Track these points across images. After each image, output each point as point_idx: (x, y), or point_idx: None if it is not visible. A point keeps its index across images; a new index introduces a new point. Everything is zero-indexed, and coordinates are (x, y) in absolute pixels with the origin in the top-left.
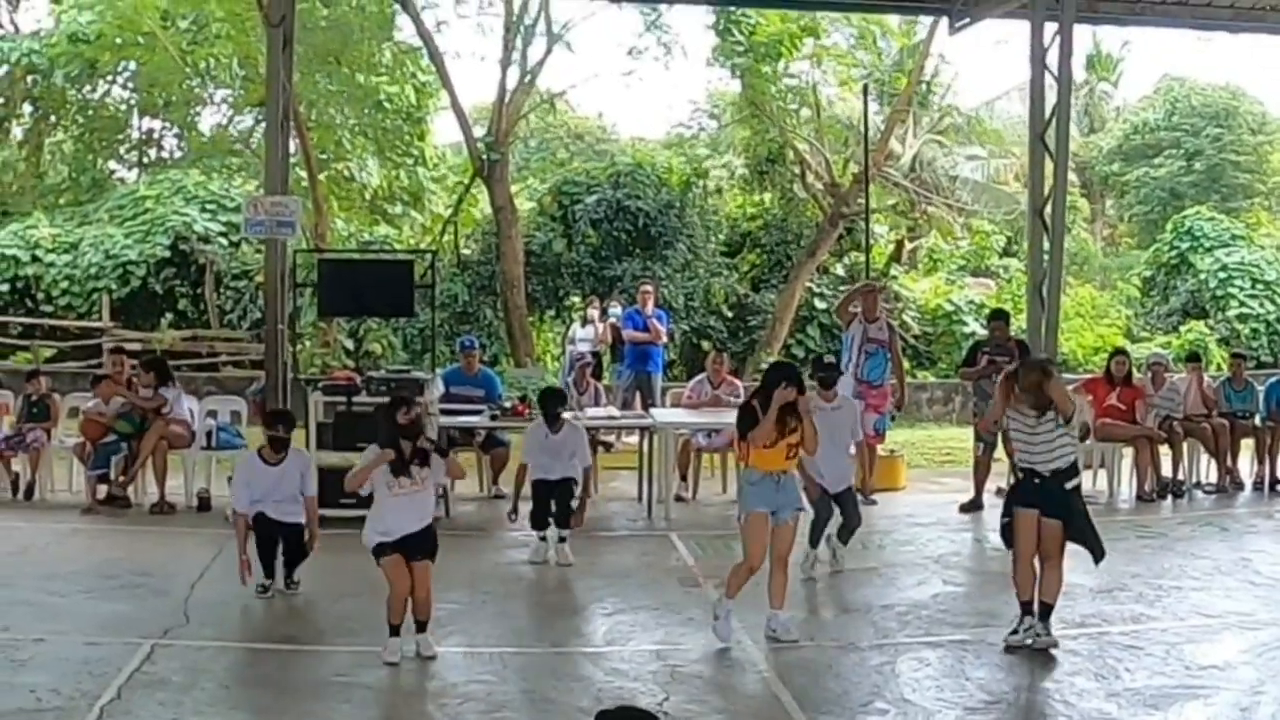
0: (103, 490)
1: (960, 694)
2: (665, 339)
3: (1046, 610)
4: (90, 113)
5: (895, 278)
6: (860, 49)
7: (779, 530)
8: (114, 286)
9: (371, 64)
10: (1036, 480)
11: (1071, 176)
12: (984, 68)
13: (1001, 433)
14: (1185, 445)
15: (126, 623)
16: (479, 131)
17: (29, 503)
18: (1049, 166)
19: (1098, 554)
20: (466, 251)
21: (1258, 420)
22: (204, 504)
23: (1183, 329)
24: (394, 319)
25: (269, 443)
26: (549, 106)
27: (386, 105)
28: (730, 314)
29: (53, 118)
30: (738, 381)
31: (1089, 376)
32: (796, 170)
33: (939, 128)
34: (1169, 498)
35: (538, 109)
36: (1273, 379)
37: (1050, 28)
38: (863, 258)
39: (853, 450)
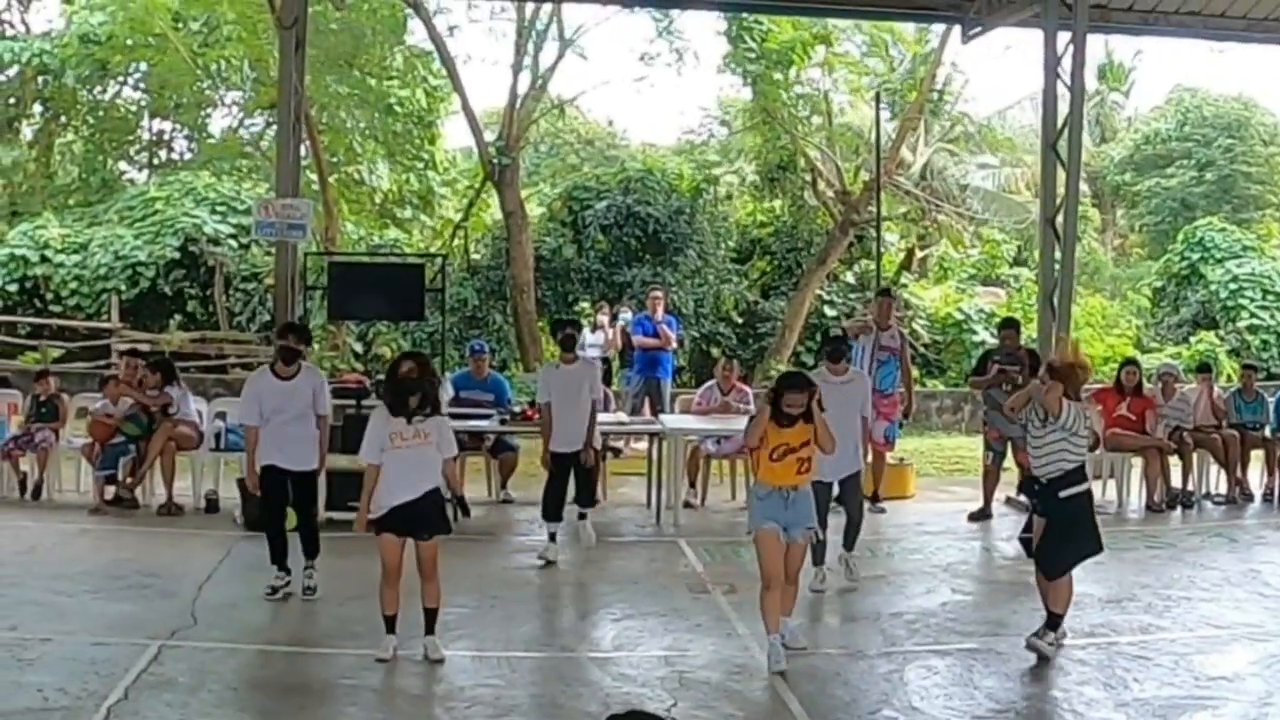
0: (110, 491)
1: (969, 702)
2: (675, 345)
3: (1054, 619)
4: (101, 114)
5: (905, 286)
6: (872, 57)
7: (790, 548)
8: (123, 287)
9: (383, 68)
10: (1036, 486)
11: (1083, 186)
12: (996, 76)
13: (1012, 441)
14: (1195, 456)
15: (134, 623)
16: (490, 136)
17: (37, 503)
18: (1061, 176)
19: (1045, 570)
20: (476, 256)
21: (1268, 431)
22: (212, 505)
23: (1193, 340)
24: (403, 323)
25: (279, 354)
26: (560, 112)
27: (398, 109)
28: (740, 321)
29: (63, 118)
30: (747, 388)
31: (1099, 387)
32: (807, 178)
33: (950, 136)
34: (1178, 508)
35: (549, 114)
36: None
37: (1063, 37)
38: (873, 266)
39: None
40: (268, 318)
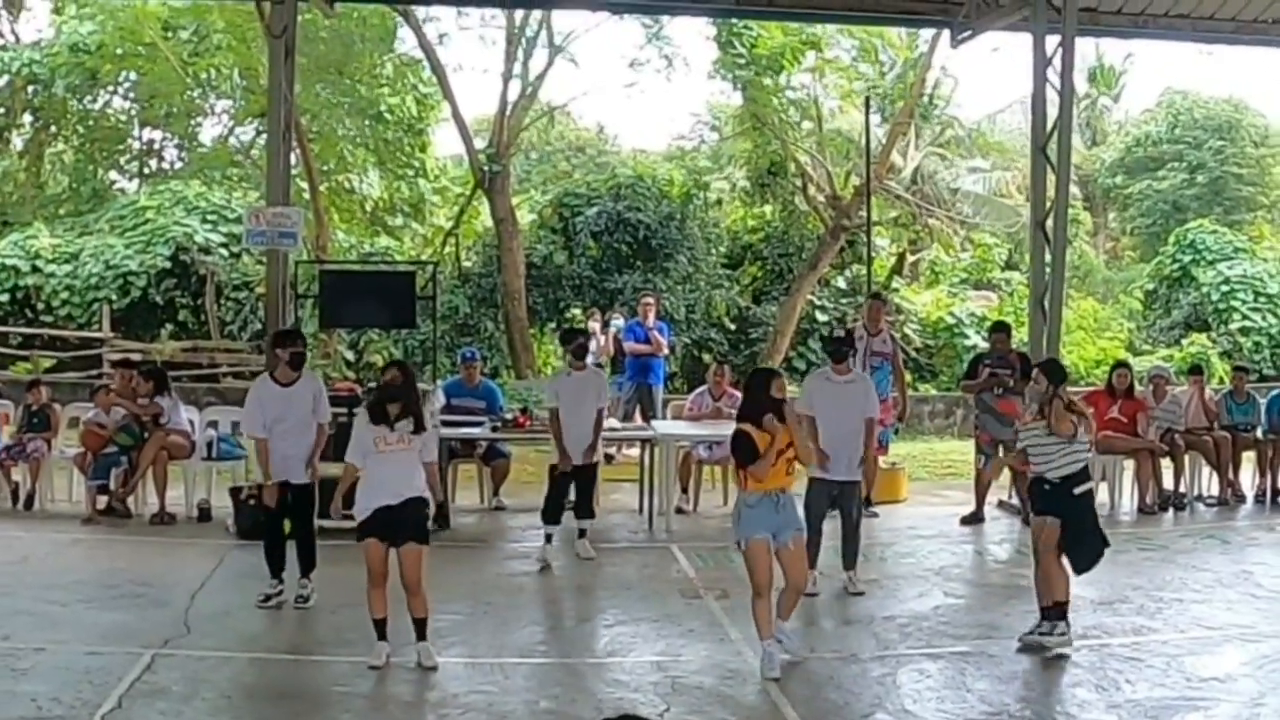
0: (103, 501)
1: (961, 705)
2: (666, 351)
3: (1063, 609)
4: (91, 123)
5: (897, 290)
6: (862, 62)
7: (786, 555)
8: (114, 297)
9: (373, 75)
10: (1046, 486)
11: (1074, 189)
12: (986, 80)
13: (1003, 445)
14: (1187, 458)
15: (127, 632)
16: (480, 143)
17: (29, 512)
18: (1051, 179)
19: (1078, 567)
20: (467, 263)
21: (1259, 433)
22: (204, 514)
23: (1185, 342)
24: (395, 330)
25: (290, 360)
26: (550, 119)
27: (388, 117)
28: (731, 326)
29: (53, 128)
30: (739, 393)
31: (1091, 389)
32: (798, 183)
33: (941, 140)
34: (1170, 510)
35: (539, 121)
36: (1274, 392)
37: (1052, 40)
38: (864, 270)
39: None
40: (259, 326)
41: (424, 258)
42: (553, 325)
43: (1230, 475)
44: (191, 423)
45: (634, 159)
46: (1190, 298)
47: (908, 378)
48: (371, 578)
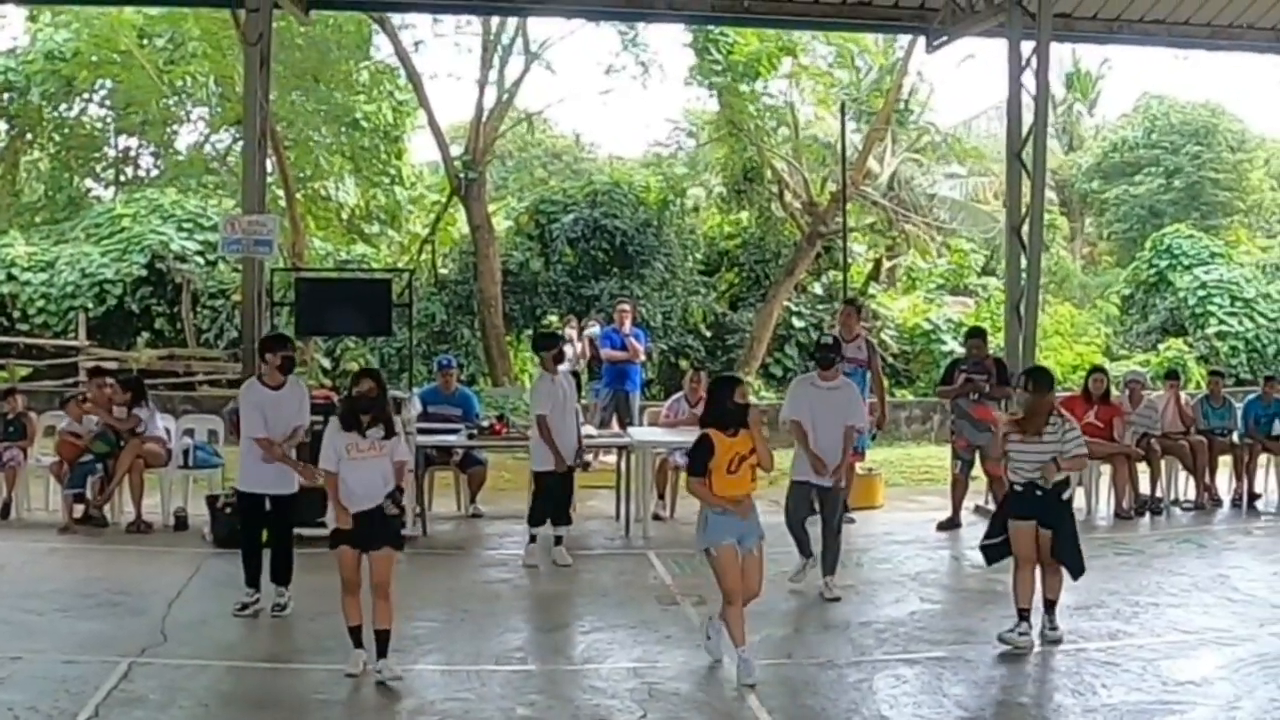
0: (79, 509)
1: (938, 710)
2: (643, 358)
3: (1051, 605)
4: (67, 131)
5: (874, 296)
6: (838, 67)
7: (747, 561)
8: (90, 305)
9: (349, 83)
10: (1039, 492)
11: (1051, 195)
12: (962, 86)
13: (980, 450)
14: (1163, 463)
15: (104, 641)
16: (456, 150)
17: (5, 521)
18: (1026, 184)
19: (1076, 571)
20: (444, 271)
21: (1235, 437)
22: (181, 523)
23: (1162, 347)
24: (372, 338)
25: (282, 366)
26: (527, 125)
27: (364, 124)
28: (708, 333)
29: (29, 135)
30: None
31: (1067, 395)
32: (774, 189)
33: (917, 146)
34: (1147, 515)
35: (515, 128)
36: (1250, 396)
37: (1027, 46)
38: (841, 277)
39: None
40: (235, 334)
41: (400, 265)
42: (529, 332)
43: (1207, 480)
44: (168, 431)
45: (611, 166)
46: (1167, 303)
47: (885, 383)
48: (345, 585)
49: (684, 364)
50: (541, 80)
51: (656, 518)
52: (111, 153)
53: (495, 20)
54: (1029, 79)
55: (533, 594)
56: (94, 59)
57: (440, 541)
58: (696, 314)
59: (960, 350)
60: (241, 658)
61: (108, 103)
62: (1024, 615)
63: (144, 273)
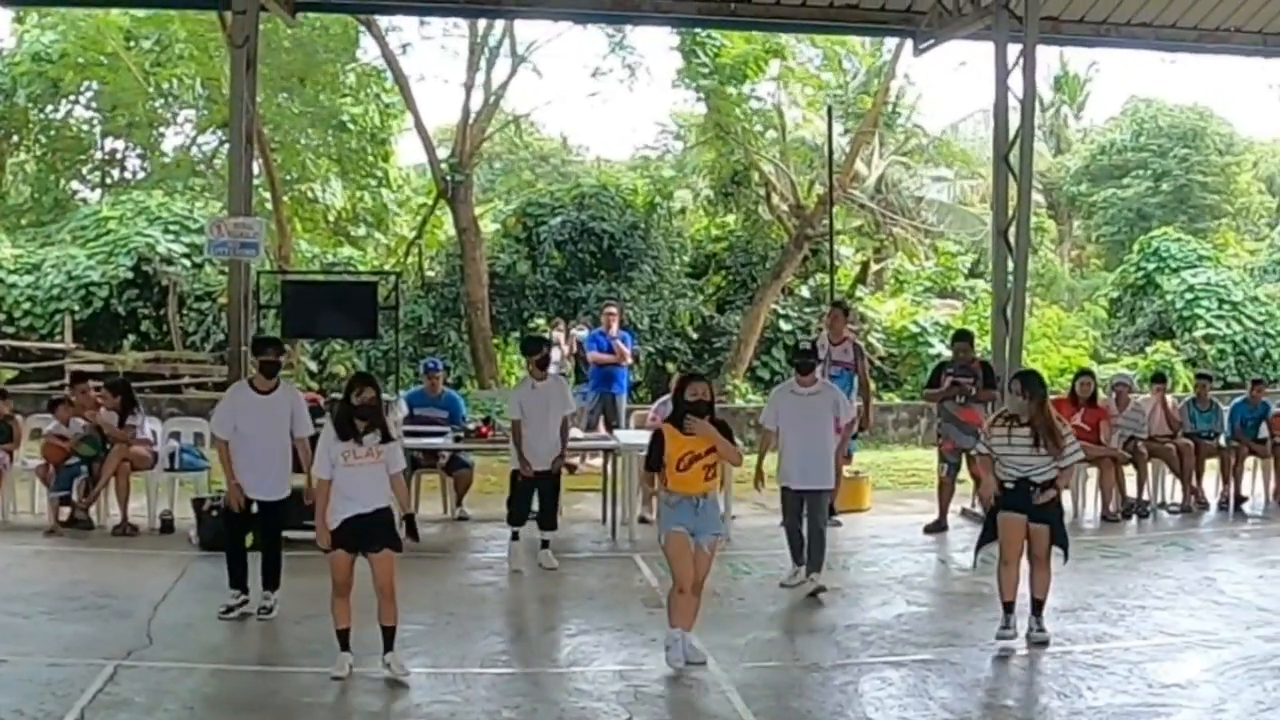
0: (65, 512)
1: (923, 713)
2: (630, 361)
3: (1039, 605)
4: (53, 133)
5: (861, 299)
6: (826, 70)
7: (697, 554)
8: (76, 308)
9: (335, 85)
10: (1032, 488)
11: (1039, 198)
12: (950, 89)
13: (966, 454)
14: (1150, 465)
15: (89, 644)
16: (443, 153)
17: None
18: (1013, 188)
19: (1067, 553)
20: (430, 273)
21: (1222, 440)
22: (167, 526)
23: (1149, 350)
24: (358, 341)
25: (262, 369)
26: (514, 128)
27: (350, 127)
28: (695, 336)
29: (15, 137)
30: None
31: (1055, 398)
32: (761, 192)
33: (905, 149)
34: (1134, 518)
35: (502, 130)
36: (1237, 399)
37: (1014, 49)
38: (828, 279)
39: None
40: (222, 337)
41: (387, 268)
42: (516, 335)
43: (1193, 482)
44: (154, 433)
45: (598, 168)
46: (1154, 305)
47: (872, 386)
48: (336, 588)
49: (671, 367)
50: (529, 83)
51: (643, 520)
52: (98, 155)
53: (482, 23)
54: (1016, 82)
55: (519, 597)
56: (80, 61)
57: (426, 545)
58: (684, 317)
59: (947, 353)
60: (227, 661)
61: (94, 105)
62: (1008, 609)
63: (130, 275)
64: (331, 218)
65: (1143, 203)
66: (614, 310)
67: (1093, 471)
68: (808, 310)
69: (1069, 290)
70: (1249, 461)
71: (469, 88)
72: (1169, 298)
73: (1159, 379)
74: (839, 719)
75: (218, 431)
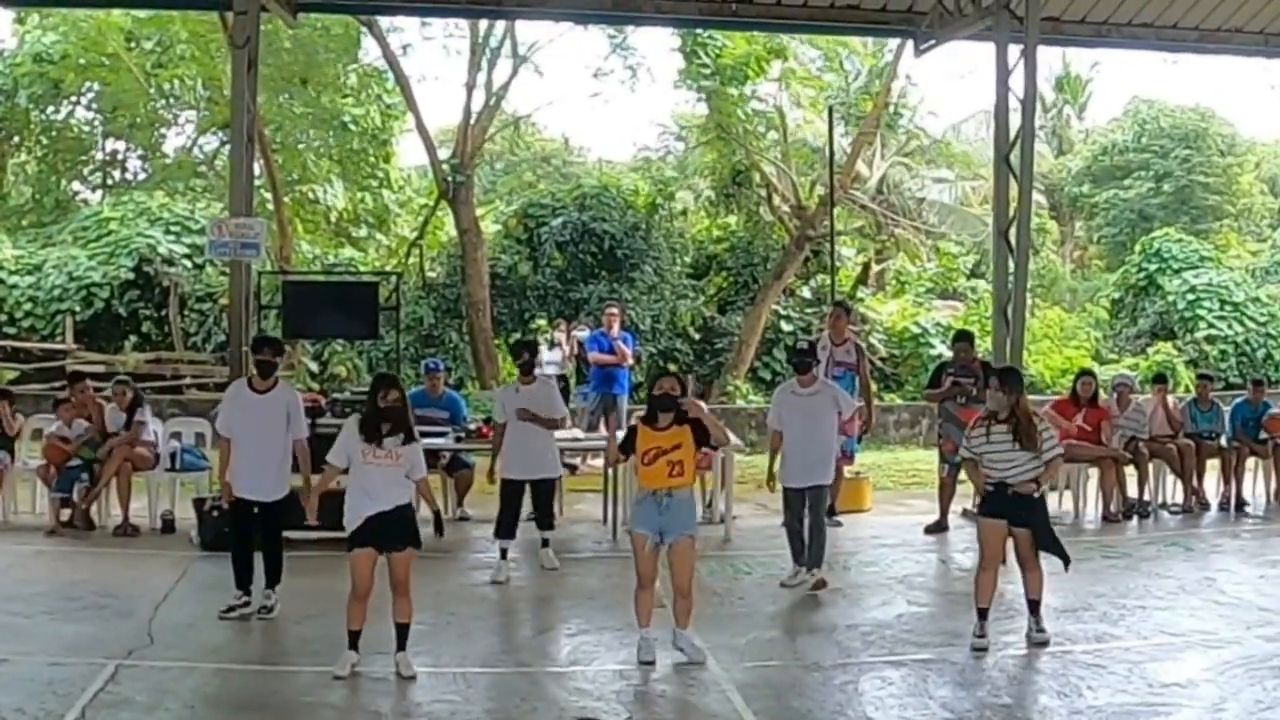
0: (66, 513)
1: (923, 712)
2: (631, 361)
3: (1035, 606)
4: (54, 134)
5: (862, 300)
6: (828, 71)
7: (672, 553)
8: (77, 308)
9: (337, 86)
10: (1010, 492)
11: (1041, 198)
12: (952, 91)
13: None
14: (1151, 466)
15: (90, 643)
16: (444, 154)
17: None
18: (1014, 188)
19: (1066, 560)
20: (432, 274)
21: (1223, 441)
22: (168, 526)
23: (1151, 351)
24: (360, 341)
25: (257, 368)
26: (515, 128)
27: (352, 128)
28: (697, 336)
29: (16, 138)
30: (702, 404)
31: (1056, 398)
32: (763, 193)
33: (906, 150)
34: (1135, 518)
35: (504, 131)
36: (1238, 399)
37: (1014, 50)
38: (829, 280)
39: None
40: (223, 338)
41: (388, 268)
42: (518, 335)
43: (1194, 483)
44: (155, 434)
45: (600, 169)
46: (1156, 306)
47: (873, 387)
48: (355, 589)
49: (672, 368)
50: (530, 84)
51: None
52: (99, 156)
53: (483, 23)
54: (1017, 82)
55: (520, 597)
56: (82, 62)
57: (427, 545)
58: (685, 317)
59: (948, 354)
60: (228, 660)
61: (95, 106)
62: (982, 615)
63: (131, 276)
64: (333, 219)
65: (1144, 204)
66: (615, 311)
67: (1094, 472)
68: (809, 311)
69: (1070, 291)
70: (1250, 462)
71: (470, 88)
72: (1171, 299)
73: (1160, 379)
74: (839, 718)
75: (223, 430)
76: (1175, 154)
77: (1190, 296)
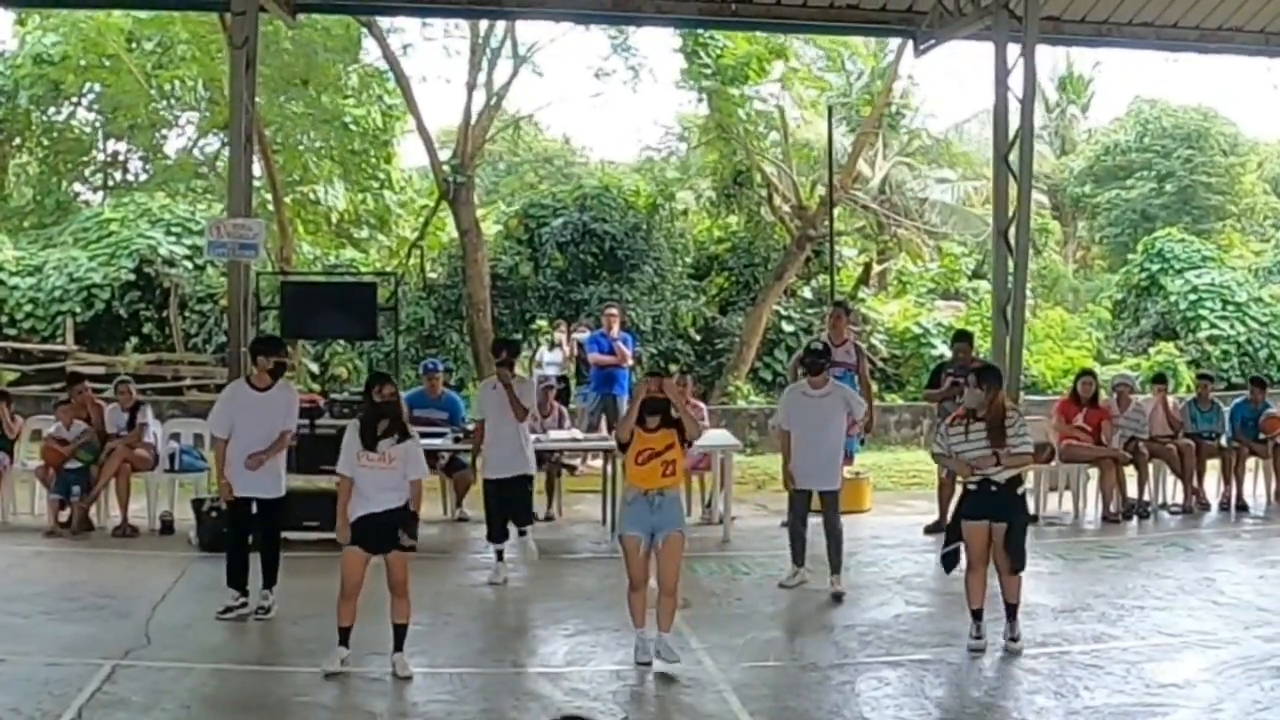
0: (65, 514)
1: (919, 713)
2: (631, 362)
3: (1012, 610)
4: (55, 135)
5: (863, 300)
6: (830, 71)
7: (660, 551)
8: (78, 310)
9: (338, 87)
10: (993, 489)
11: (1043, 199)
12: (955, 90)
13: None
14: (1151, 466)
15: (88, 644)
16: (445, 154)
17: None
18: (1014, 188)
19: (1019, 564)
20: (432, 275)
21: (1223, 441)
22: (167, 527)
23: (1153, 351)
24: (360, 342)
25: (272, 370)
26: (516, 129)
27: (353, 128)
28: (698, 337)
29: (17, 140)
30: (702, 404)
31: (1056, 398)
32: (764, 193)
33: (908, 150)
34: (1135, 519)
35: (504, 132)
36: (1238, 399)
37: (1014, 50)
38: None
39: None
40: (224, 339)
41: (389, 269)
42: (519, 336)
43: (1194, 483)
44: (155, 435)
45: (602, 170)
46: (1158, 306)
47: (874, 388)
48: (345, 588)
49: (673, 368)
50: (531, 84)
51: None
52: (100, 157)
53: (484, 23)
54: (1016, 82)
55: (517, 598)
56: (82, 63)
57: (425, 546)
58: (686, 318)
59: (949, 354)
60: (225, 660)
61: (96, 107)
62: (977, 616)
63: (132, 277)
64: (334, 219)
65: (1147, 204)
66: (615, 312)
67: (1094, 472)
68: (810, 311)
69: (1073, 291)
70: (1250, 462)
71: (471, 88)
72: (1173, 299)
73: (1160, 379)
74: (835, 718)
75: (216, 431)
76: (1178, 154)
77: (1192, 297)
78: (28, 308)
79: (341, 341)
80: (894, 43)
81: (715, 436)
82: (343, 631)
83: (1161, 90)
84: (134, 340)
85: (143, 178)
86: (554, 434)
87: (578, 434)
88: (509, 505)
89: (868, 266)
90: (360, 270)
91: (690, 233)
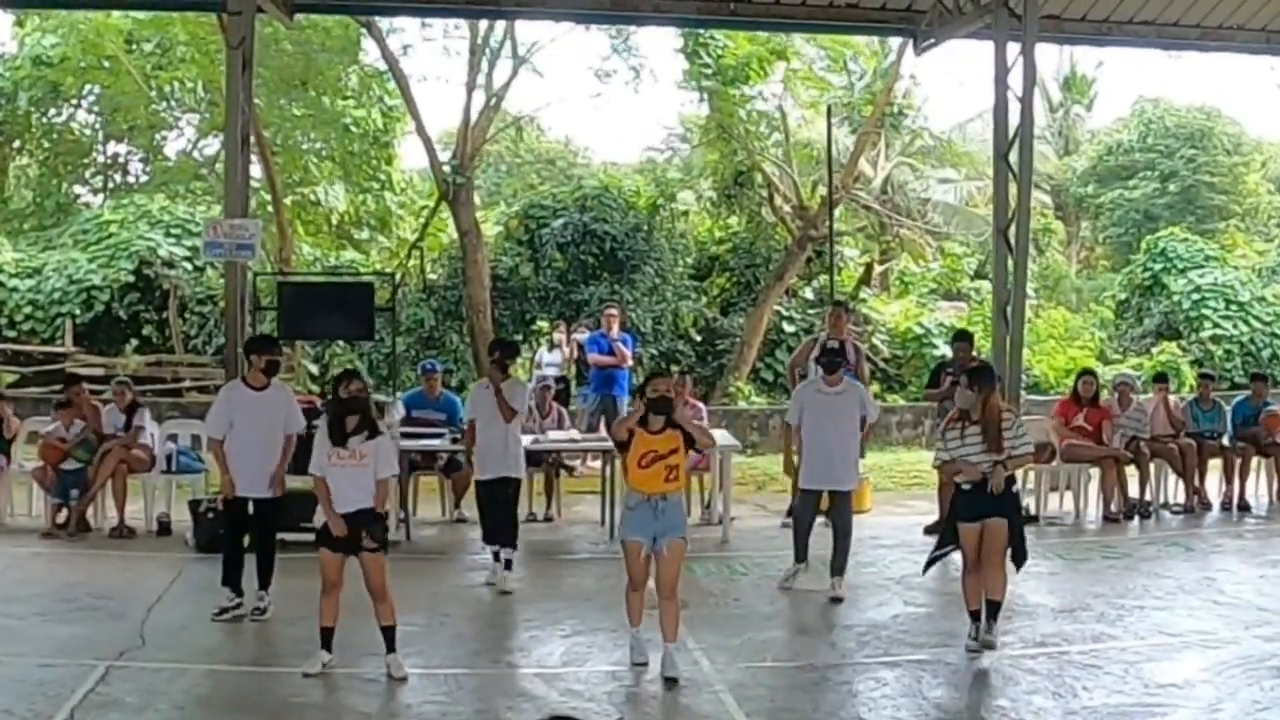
0: (62, 515)
1: (916, 713)
2: (630, 363)
3: (994, 608)
4: (55, 137)
5: (865, 301)
6: (831, 71)
7: (661, 558)
8: (78, 311)
9: (337, 88)
10: (989, 489)
11: (1046, 198)
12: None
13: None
14: (1152, 465)
15: (82, 645)
16: (445, 155)
17: None
18: (1013, 187)
19: (1021, 560)
20: (432, 276)
21: (1225, 440)
22: (164, 528)
23: (1156, 350)
24: (359, 343)
25: (267, 368)
26: (516, 130)
27: (353, 129)
28: (698, 338)
29: (17, 142)
30: (702, 405)
31: (1057, 397)
32: (764, 193)
33: (910, 150)
34: (1136, 518)
35: (504, 132)
36: (1238, 398)
37: (1013, 49)
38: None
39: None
40: (223, 340)
41: (389, 270)
42: (519, 337)
43: (1196, 483)
44: (152, 436)
45: (604, 171)
46: (1161, 306)
47: (875, 388)
48: (324, 585)
49: (674, 369)
50: (531, 84)
51: None
52: (100, 158)
53: (484, 24)
54: (1016, 81)
55: (515, 598)
56: (81, 65)
57: (423, 546)
58: (687, 319)
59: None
60: (220, 661)
61: (95, 108)
62: (975, 616)
63: (132, 279)
64: (334, 221)
65: (1150, 203)
66: (614, 312)
67: (1095, 472)
68: (811, 312)
69: (1075, 291)
70: (1253, 462)
71: (470, 89)
72: (1176, 298)
73: (1161, 379)
74: (831, 719)
75: (212, 432)
76: (1181, 154)
77: (1195, 296)
78: (27, 309)
79: (341, 343)
80: (896, 42)
81: (714, 436)
82: (325, 633)
83: (1165, 90)
84: (134, 342)
85: (142, 179)
86: (553, 434)
87: (576, 435)
88: (495, 508)
89: (869, 267)
90: (360, 271)
91: (691, 233)
